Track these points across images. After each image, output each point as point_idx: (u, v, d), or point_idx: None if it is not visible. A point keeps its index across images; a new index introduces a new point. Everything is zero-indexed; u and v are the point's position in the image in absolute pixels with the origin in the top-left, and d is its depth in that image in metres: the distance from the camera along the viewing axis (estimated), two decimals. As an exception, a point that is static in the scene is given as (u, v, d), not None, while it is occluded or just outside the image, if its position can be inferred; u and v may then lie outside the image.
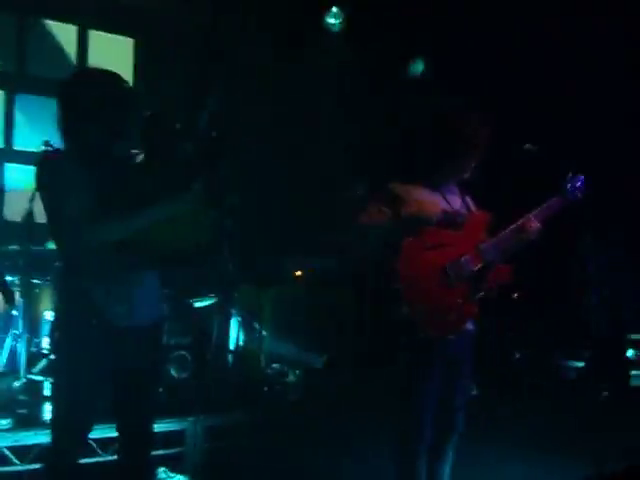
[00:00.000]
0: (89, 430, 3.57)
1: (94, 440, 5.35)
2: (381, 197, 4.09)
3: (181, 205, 3.41)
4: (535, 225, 4.15)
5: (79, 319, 3.41)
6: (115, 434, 3.73)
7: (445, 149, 4.07)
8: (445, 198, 4.18)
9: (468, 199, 4.33)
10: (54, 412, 3.58)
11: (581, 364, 8.14)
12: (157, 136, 3.43)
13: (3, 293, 2.51)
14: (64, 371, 3.51)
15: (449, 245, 4.03)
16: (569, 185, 4.24)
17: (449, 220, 4.08)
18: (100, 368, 3.46)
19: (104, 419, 3.81)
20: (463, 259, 4.03)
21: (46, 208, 3.45)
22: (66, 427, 3.47)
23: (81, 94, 3.46)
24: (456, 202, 4.23)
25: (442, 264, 3.99)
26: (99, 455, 5.42)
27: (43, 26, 8.09)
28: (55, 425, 3.54)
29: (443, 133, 4.09)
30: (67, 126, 3.48)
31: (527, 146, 4.27)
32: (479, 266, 4.06)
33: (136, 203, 3.36)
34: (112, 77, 3.54)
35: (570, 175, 4.26)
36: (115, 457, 3.95)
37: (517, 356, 7.92)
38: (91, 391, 3.46)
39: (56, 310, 3.52)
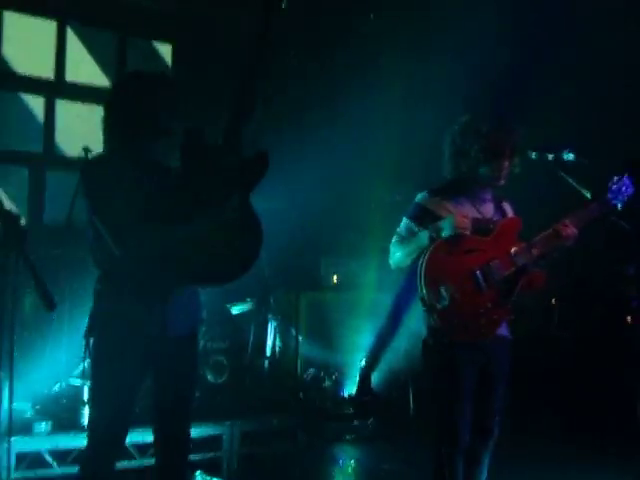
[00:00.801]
0: (125, 434, 3.58)
1: (132, 444, 5.41)
2: (412, 213, 4.11)
3: (217, 218, 3.38)
4: (571, 231, 4.09)
5: (115, 329, 3.43)
6: (152, 438, 3.76)
7: (475, 157, 4.06)
8: (476, 207, 4.16)
9: (505, 204, 4.31)
10: (90, 416, 3.62)
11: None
12: (195, 151, 3.43)
13: (43, 298, 2.54)
14: (100, 377, 3.53)
15: (478, 250, 4.02)
16: (613, 189, 4.19)
17: (480, 228, 4.08)
18: (136, 375, 3.49)
19: (142, 423, 3.85)
20: (493, 263, 4.02)
21: (90, 214, 3.44)
22: (102, 431, 3.49)
23: (129, 96, 3.48)
24: (488, 209, 4.21)
25: (471, 268, 3.98)
26: (136, 459, 5.49)
27: (81, 33, 8.17)
28: (91, 429, 3.56)
29: (472, 142, 4.07)
30: (114, 129, 3.49)
31: (566, 152, 4.23)
32: (510, 271, 4.05)
33: (177, 213, 3.36)
34: (157, 79, 3.57)
35: (615, 178, 4.21)
36: (152, 461, 3.99)
37: (555, 363, 7.83)
38: (126, 397, 3.48)
39: (91, 317, 3.52)
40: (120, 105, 3.50)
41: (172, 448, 3.64)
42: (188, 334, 3.62)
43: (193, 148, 3.41)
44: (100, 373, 3.51)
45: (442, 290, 3.89)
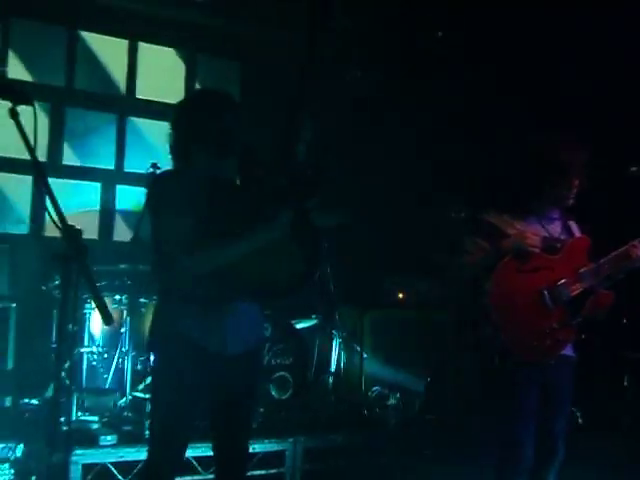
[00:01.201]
0: (184, 450, 3.61)
1: (195, 458, 5.45)
2: (478, 229, 4.06)
3: (268, 234, 3.41)
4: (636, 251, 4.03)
5: (174, 346, 3.46)
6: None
7: (542, 180, 4.00)
8: (544, 225, 4.10)
9: (572, 223, 4.24)
10: (151, 430, 3.66)
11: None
12: (249, 169, 3.46)
13: (101, 312, 2.58)
14: (160, 393, 3.57)
15: (546, 268, 3.96)
16: None
17: (549, 246, 4.01)
18: (195, 391, 3.49)
19: (207, 438, 3.88)
20: (561, 283, 3.95)
21: (153, 229, 3.50)
22: (161, 447, 3.53)
23: (194, 115, 3.51)
24: (556, 229, 4.15)
25: (538, 287, 3.92)
26: (200, 473, 5.52)
27: (150, 50, 8.35)
28: (151, 444, 3.61)
29: (540, 164, 4.02)
30: (179, 147, 3.53)
31: (634, 169, 4.15)
32: (578, 291, 3.97)
33: (232, 231, 3.40)
34: (224, 98, 3.59)
35: None
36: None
37: (626, 384, 7.65)
38: (186, 412, 3.50)
39: (151, 334, 3.57)
40: (185, 122, 3.53)
41: (230, 465, 3.67)
42: (249, 351, 3.61)
43: (247, 165, 3.45)
44: (160, 389, 3.56)
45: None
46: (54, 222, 2.65)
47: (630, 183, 4.16)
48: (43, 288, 6.16)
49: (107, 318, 2.62)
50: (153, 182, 3.74)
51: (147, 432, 5.57)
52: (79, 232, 2.64)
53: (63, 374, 3.09)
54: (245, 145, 3.50)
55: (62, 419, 2.82)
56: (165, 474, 3.55)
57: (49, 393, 5.75)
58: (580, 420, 6.93)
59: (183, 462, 3.89)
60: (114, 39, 8.16)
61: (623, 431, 7.24)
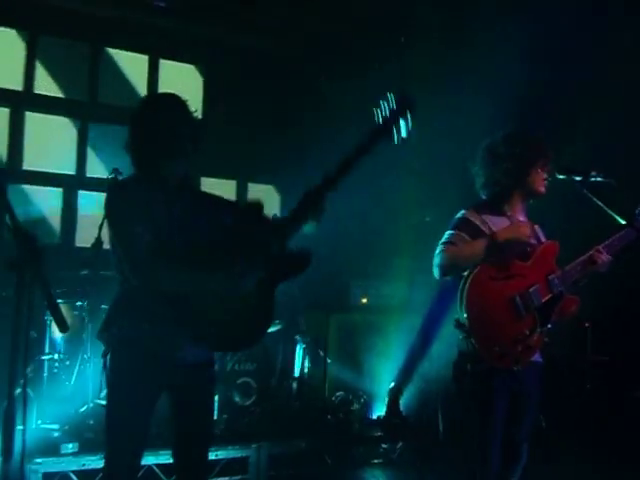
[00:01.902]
0: (139, 458, 3.57)
1: (157, 466, 5.41)
2: (459, 225, 4.04)
3: (227, 288, 3.40)
4: (605, 257, 4.04)
5: (126, 354, 3.43)
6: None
7: (509, 173, 4.01)
8: None
9: (537, 228, 4.26)
10: (106, 440, 3.59)
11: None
12: (217, 217, 3.56)
13: (55, 318, 2.55)
14: (113, 401, 3.53)
15: (518, 275, 3.95)
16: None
17: (521, 252, 4.02)
18: (147, 401, 3.47)
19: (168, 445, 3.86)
20: (532, 290, 3.96)
21: (111, 239, 3.50)
22: (116, 455, 3.49)
23: (148, 118, 3.50)
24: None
25: (511, 294, 3.92)
26: (162, 480, 5.49)
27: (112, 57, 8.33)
28: (107, 452, 3.55)
29: (506, 156, 4.03)
30: (133, 148, 3.51)
31: (598, 175, 4.16)
32: (548, 297, 4.00)
33: (190, 258, 3.40)
34: (176, 98, 3.57)
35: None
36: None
37: (588, 387, 7.71)
38: (139, 422, 3.47)
39: (106, 341, 3.54)
40: (139, 123, 3.52)
41: (189, 472, 3.64)
42: (202, 362, 3.58)
43: (249, 213, 3.48)
44: (113, 397, 3.53)
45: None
46: (8, 227, 2.62)
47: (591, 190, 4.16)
48: (3, 294, 6.09)
49: (62, 325, 2.58)
50: (109, 190, 3.70)
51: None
52: (34, 237, 2.60)
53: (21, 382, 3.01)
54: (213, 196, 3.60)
55: (20, 427, 2.75)
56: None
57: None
58: (544, 424, 6.97)
59: (139, 468, 3.85)
60: (75, 43, 8.13)
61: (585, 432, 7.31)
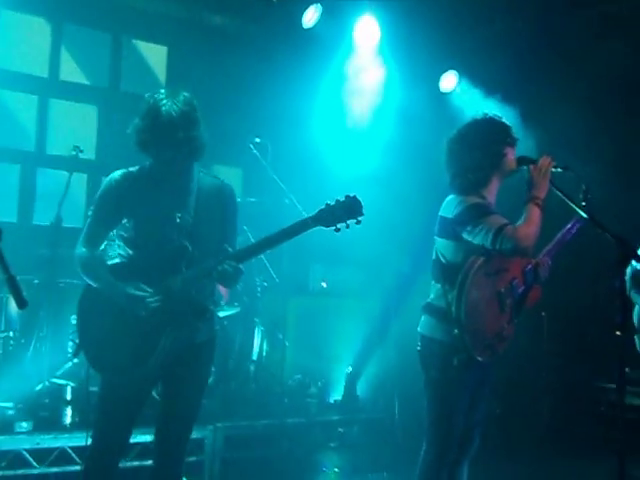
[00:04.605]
0: (128, 437, 3.71)
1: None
2: (488, 210, 3.96)
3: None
4: (546, 261, 4.19)
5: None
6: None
7: (488, 156, 4.02)
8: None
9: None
10: (95, 417, 3.66)
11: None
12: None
13: (14, 295, 2.53)
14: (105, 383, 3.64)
15: (504, 270, 4.03)
16: (568, 226, 4.31)
17: None
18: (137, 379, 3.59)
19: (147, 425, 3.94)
20: (514, 283, 4.04)
21: None
22: (104, 433, 3.59)
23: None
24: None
25: (498, 289, 3.98)
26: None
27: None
28: (94, 430, 3.63)
29: (480, 144, 4.04)
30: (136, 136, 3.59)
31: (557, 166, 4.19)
32: (523, 288, 4.08)
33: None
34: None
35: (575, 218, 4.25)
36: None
37: (543, 375, 7.83)
38: (131, 403, 3.62)
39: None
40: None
41: (165, 451, 3.71)
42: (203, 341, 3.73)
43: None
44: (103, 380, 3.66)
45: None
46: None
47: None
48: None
49: (21, 302, 2.56)
50: (108, 178, 3.78)
51: (64, 419, 5.55)
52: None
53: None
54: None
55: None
56: (110, 461, 3.62)
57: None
58: (498, 410, 7.06)
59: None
60: (38, 19, 7.98)
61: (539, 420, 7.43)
